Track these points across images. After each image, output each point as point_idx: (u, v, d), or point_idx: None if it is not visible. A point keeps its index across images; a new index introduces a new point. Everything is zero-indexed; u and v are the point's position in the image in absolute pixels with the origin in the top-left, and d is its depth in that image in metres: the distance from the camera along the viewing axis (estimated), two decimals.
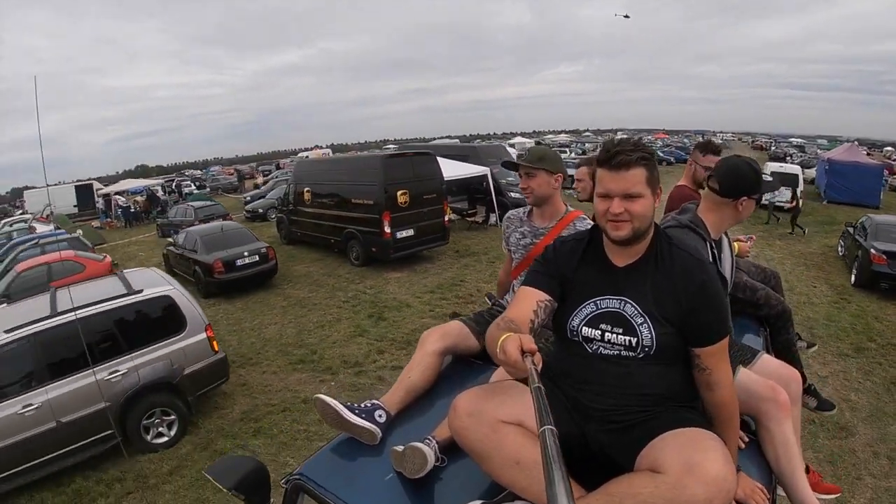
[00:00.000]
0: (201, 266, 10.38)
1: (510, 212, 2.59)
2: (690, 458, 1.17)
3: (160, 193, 29.75)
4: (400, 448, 1.60)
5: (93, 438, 5.12)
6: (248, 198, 25.05)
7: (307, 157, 44.13)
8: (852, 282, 9.56)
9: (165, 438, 5.49)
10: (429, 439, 1.62)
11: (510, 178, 14.43)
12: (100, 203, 31.25)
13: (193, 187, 35.23)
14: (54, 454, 4.97)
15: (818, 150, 38.68)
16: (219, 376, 6.00)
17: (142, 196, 28.18)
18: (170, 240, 13.84)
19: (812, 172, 24.09)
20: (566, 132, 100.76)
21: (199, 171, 59.98)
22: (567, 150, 42.93)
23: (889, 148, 63.87)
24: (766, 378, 1.87)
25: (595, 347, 1.47)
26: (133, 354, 5.37)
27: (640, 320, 1.42)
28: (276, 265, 10.86)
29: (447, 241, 12.03)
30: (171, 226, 18.52)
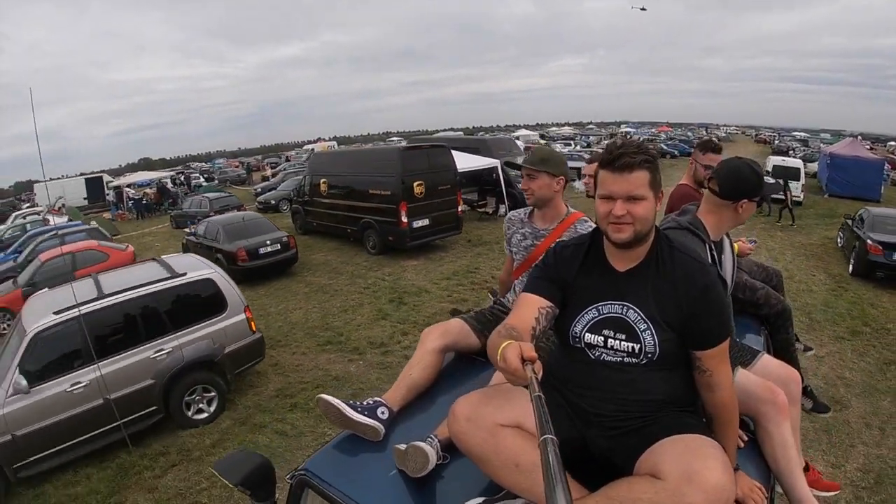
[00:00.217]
0: (224, 254, 10.74)
1: (511, 213, 2.60)
2: (690, 465, 1.19)
3: (170, 185, 30.16)
4: (402, 447, 1.63)
5: (138, 414, 5.47)
6: (259, 189, 25.47)
7: (313, 149, 44.54)
8: (850, 271, 9.95)
9: (205, 414, 5.84)
10: (431, 438, 1.65)
11: (519, 171, 14.76)
12: (110, 195, 31.74)
13: (202, 179, 35.64)
14: (101, 430, 5.28)
15: (821, 144, 38.86)
16: (256, 355, 6.39)
17: (151, 188, 28.62)
18: (187, 230, 14.28)
19: (814, 166, 24.41)
20: (569, 125, 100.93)
21: (204, 164, 60.40)
22: (572, 142, 43.20)
23: (893, 143, 63.84)
24: (766, 378, 1.90)
25: (598, 354, 1.48)
26: (178, 334, 5.73)
27: (643, 326, 1.43)
28: (296, 253, 11.30)
29: (460, 230, 12.47)
30: (185, 217, 18.99)
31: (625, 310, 1.45)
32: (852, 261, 9.96)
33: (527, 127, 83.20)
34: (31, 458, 4.96)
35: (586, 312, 1.49)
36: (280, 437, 5.35)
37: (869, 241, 9.31)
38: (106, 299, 5.45)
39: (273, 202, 20.99)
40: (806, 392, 2.77)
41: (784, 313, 2.78)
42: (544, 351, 1.76)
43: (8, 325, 9.75)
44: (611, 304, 1.47)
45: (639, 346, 1.42)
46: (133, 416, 5.40)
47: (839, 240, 11.86)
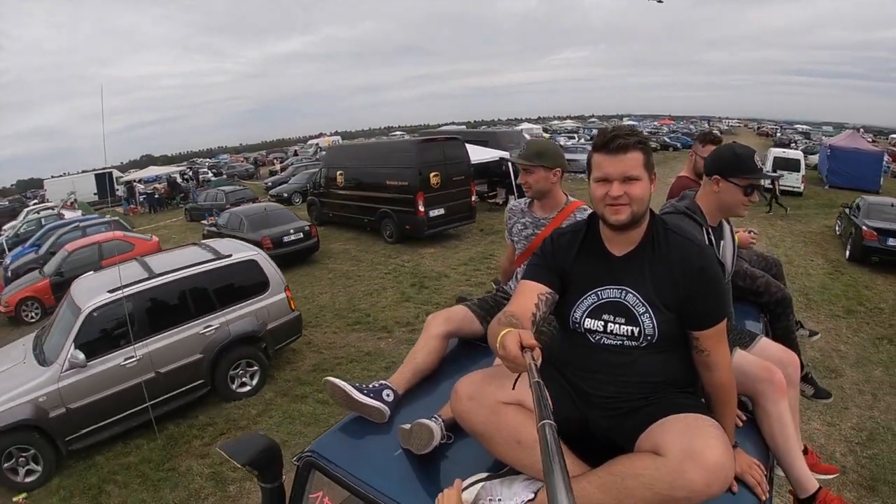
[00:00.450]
0: (249, 243, 11.20)
1: (512, 202, 2.66)
2: (691, 443, 1.21)
3: (179, 181, 30.64)
4: (407, 426, 1.66)
5: (186, 388, 5.86)
6: (270, 183, 25.97)
7: (318, 144, 45.01)
8: (846, 256, 10.45)
9: (248, 388, 6.25)
10: (435, 417, 1.68)
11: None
12: (119, 191, 32.25)
13: (210, 174, 36.14)
14: (152, 402, 5.53)
15: (823, 137, 39.25)
16: (294, 332, 6.87)
17: (161, 184, 29.10)
18: (205, 221, 14.82)
19: (815, 158, 24.80)
20: (571, 118, 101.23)
21: (208, 160, 60.86)
22: (575, 136, 43.56)
23: (895, 135, 64.13)
24: (765, 360, 1.92)
25: (598, 338, 1.50)
26: (224, 311, 6.12)
27: (641, 309, 1.44)
28: (317, 242, 11.81)
29: (474, 219, 12.99)
30: (200, 210, 19.47)
31: (623, 294, 1.47)
32: (849, 246, 10.45)
33: (529, 120, 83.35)
34: (84, 431, 5.26)
35: (586, 298, 1.51)
36: (322, 406, 5.81)
37: (864, 228, 9.81)
38: (157, 279, 5.82)
39: (285, 195, 21.48)
40: (807, 379, 2.86)
41: (784, 301, 2.81)
42: (546, 336, 1.89)
43: (36, 314, 10.33)
44: (609, 288, 1.49)
45: (638, 329, 1.44)
46: (181, 390, 5.82)
47: (837, 228, 12.34)
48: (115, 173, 35.84)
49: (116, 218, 17.18)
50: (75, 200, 26.83)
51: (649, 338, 1.44)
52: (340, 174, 13.87)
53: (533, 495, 1.37)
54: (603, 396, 1.48)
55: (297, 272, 10.93)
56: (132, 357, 5.47)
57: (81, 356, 5.12)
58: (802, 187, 18.35)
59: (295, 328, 6.86)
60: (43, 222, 17.81)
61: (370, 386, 1.90)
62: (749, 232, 3.11)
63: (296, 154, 40.77)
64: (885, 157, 24.86)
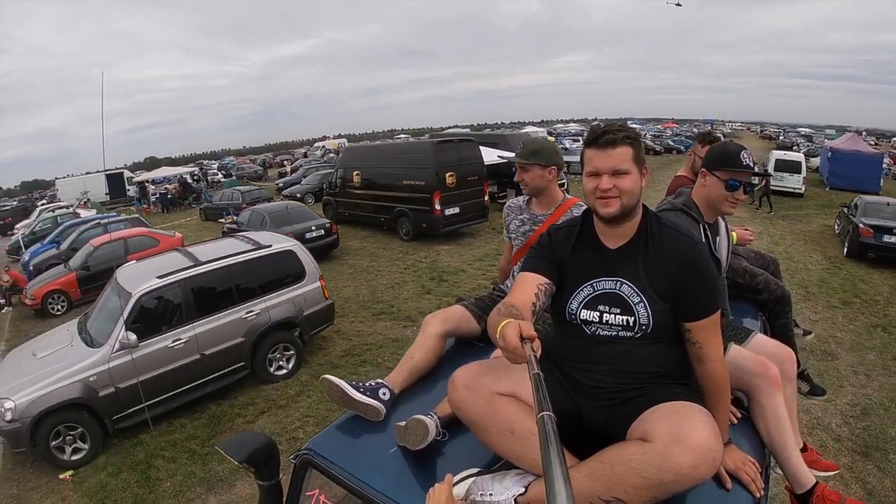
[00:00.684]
0: None
1: (510, 200, 2.68)
2: (677, 427, 1.24)
3: (190, 181, 31.17)
4: (402, 422, 1.68)
5: (228, 369, 6.22)
6: (281, 184, 26.50)
7: (324, 146, 45.61)
8: (844, 253, 10.94)
9: (284, 371, 6.64)
10: (431, 414, 1.70)
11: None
12: (130, 191, 32.87)
13: (220, 176, 36.70)
14: (197, 382, 5.97)
15: (825, 140, 39.70)
16: (327, 319, 7.33)
17: (172, 184, 29.63)
18: (222, 220, 15.45)
19: (817, 161, 25.26)
20: (574, 121, 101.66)
21: (214, 162, 61.50)
22: (580, 139, 44.05)
23: None
24: (759, 355, 1.92)
25: (593, 329, 1.52)
26: (265, 297, 6.50)
27: (636, 299, 1.47)
28: (337, 238, 12.31)
29: (486, 218, 13.49)
30: (216, 209, 19.99)
31: (618, 285, 1.50)
32: (846, 243, 10.94)
33: (532, 123, 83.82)
34: (131, 410, 5.56)
35: (582, 289, 1.54)
36: None
37: (861, 225, 10.30)
38: (203, 266, 6.17)
39: (298, 195, 21.99)
40: (803, 376, 2.87)
41: (783, 299, 2.82)
42: (540, 333, 1.91)
43: (62, 307, 10.75)
44: (604, 280, 1.52)
45: (633, 318, 1.47)
46: (223, 371, 6.18)
47: (836, 227, 12.81)
48: (126, 174, 36.44)
49: (137, 216, 17.72)
50: (88, 200, 27.40)
51: (644, 327, 1.47)
52: (357, 174, 14.40)
53: (524, 489, 1.39)
54: (598, 387, 1.50)
55: (319, 267, 11.40)
56: (180, 339, 5.84)
57: (133, 337, 5.46)
58: (804, 189, 18.79)
59: (328, 315, 7.32)
60: (59, 220, 18.28)
61: (367, 384, 1.93)
62: (745, 230, 3.10)
63: (305, 156, 41.40)
64: (887, 160, 25.31)
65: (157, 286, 5.82)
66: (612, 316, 1.49)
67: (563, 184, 13.11)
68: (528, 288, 1.51)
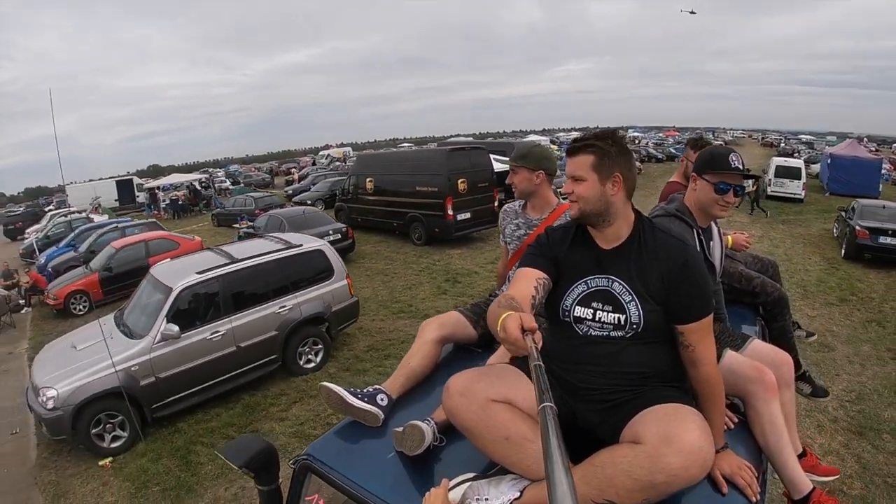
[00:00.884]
0: None
1: (506, 205, 2.71)
2: (668, 429, 1.25)
3: (199, 188, 31.69)
4: (400, 428, 1.69)
5: (261, 361, 6.56)
6: (290, 191, 27.04)
7: (329, 154, 46.23)
8: (842, 255, 11.37)
9: (313, 364, 7.01)
10: (428, 419, 1.71)
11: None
12: (140, 197, 33.46)
13: (228, 183, 37.27)
14: (232, 373, 6.29)
15: (826, 147, 40.21)
16: (353, 315, 7.75)
17: (180, 191, 30.13)
18: (236, 225, 16.05)
19: (817, 168, 25.70)
20: (576, 129, 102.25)
21: (220, 170, 62.15)
22: None
23: None
24: (755, 361, 1.92)
25: (585, 329, 1.56)
26: (296, 294, 6.88)
27: (627, 298, 1.50)
28: (353, 242, 12.79)
29: (496, 223, 13.83)
30: (229, 215, 20.47)
31: (610, 283, 1.54)
32: (844, 245, 11.38)
33: (534, 132, 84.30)
34: (170, 399, 5.85)
35: (576, 286, 1.58)
36: (384, 378, 6.68)
37: (857, 227, 10.74)
38: (239, 263, 6.52)
39: (309, 202, 22.46)
40: (804, 377, 2.89)
41: (781, 301, 2.82)
42: (540, 326, 1.89)
43: (84, 306, 11.08)
44: (597, 277, 1.56)
45: (624, 316, 1.50)
46: (257, 363, 6.53)
47: (835, 230, 13.22)
48: (136, 180, 37.04)
49: (153, 220, 18.24)
50: (100, 205, 27.98)
51: (635, 326, 1.50)
52: (370, 181, 14.91)
53: (519, 493, 1.40)
54: (590, 389, 1.52)
55: None
56: (218, 332, 6.17)
57: (176, 328, 5.77)
58: (804, 194, 19.18)
59: (354, 312, 7.74)
60: (73, 225, 18.73)
61: (365, 390, 1.95)
62: (738, 233, 3.10)
63: (313, 164, 42.05)
64: (887, 165, 25.69)
65: (196, 281, 6.15)
66: (605, 313, 1.53)
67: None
68: (528, 282, 1.54)
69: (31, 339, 9.96)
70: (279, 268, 6.90)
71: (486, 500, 1.43)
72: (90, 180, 36.87)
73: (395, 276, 11.16)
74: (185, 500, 4.78)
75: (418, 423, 1.67)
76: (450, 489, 1.41)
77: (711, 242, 2.21)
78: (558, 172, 2.92)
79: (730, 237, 2.82)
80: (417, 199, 13.24)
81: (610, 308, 1.52)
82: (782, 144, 55.61)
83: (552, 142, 50.72)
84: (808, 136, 75.53)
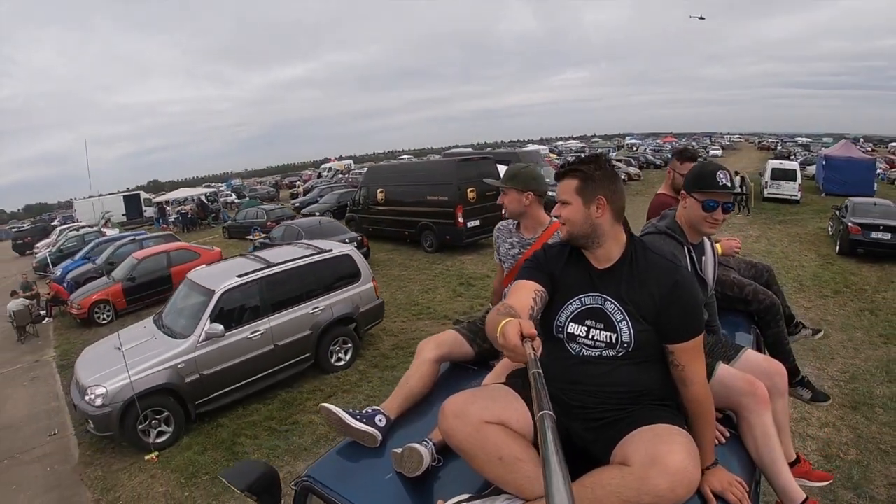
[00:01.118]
0: None
1: (500, 223, 2.73)
2: (654, 451, 1.30)
3: (206, 202, 32.26)
4: (399, 450, 1.71)
5: (296, 359, 6.96)
6: (298, 203, 27.60)
7: (331, 167, 46.96)
8: (836, 251, 11.89)
9: (343, 362, 7.43)
10: (426, 441, 1.73)
11: (548, 180, 16.80)
12: (148, 212, 34.20)
13: (234, 197, 37.94)
14: (270, 371, 6.66)
15: (822, 149, 40.83)
16: (379, 316, 8.22)
17: (188, 205, 30.71)
18: (250, 237, 16.75)
19: (813, 169, 26.25)
20: (574, 138, 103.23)
21: (222, 184, 62.88)
22: (582, 156, 45.01)
23: (894, 143, 65.07)
24: (750, 373, 1.93)
25: (578, 349, 1.59)
26: (328, 295, 7.32)
27: (619, 317, 1.53)
28: (368, 250, 13.29)
29: None
30: (240, 227, 21.04)
31: (602, 301, 1.57)
32: (838, 242, 11.90)
33: (532, 141, 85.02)
34: (212, 395, 6.14)
35: (570, 303, 1.61)
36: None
37: (850, 224, 11.27)
38: (275, 267, 6.94)
39: (318, 214, 22.98)
40: (803, 383, 2.91)
41: (772, 309, 2.81)
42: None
43: (108, 315, 11.48)
44: (591, 295, 1.59)
45: (615, 335, 1.53)
46: (292, 361, 6.93)
47: (830, 228, 13.71)
48: (143, 195, 37.77)
49: (169, 233, 18.81)
50: (109, 220, 28.61)
51: (626, 345, 1.53)
52: (381, 192, 15.49)
53: None
54: (583, 407, 1.55)
55: None
56: (257, 331, 6.55)
57: (220, 327, 6.10)
58: (799, 195, 19.69)
59: (379, 313, 8.21)
60: (86, 239, 19.23)
61: (363, 412, 1.98)
62: (731, 238, 3.09)
63: (319, 177, 42.78)
64: (883, 165, 26.15)
65: (237, 284, 6.55)
66: (598, 331, 1.56)
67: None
68: (526, 293, 1.56)
69: (57, 347, 10.34)
70: (311, 271, 7.33)
71: None
72: (100, 195, 37.46)
73: (410, 281, 11.67)
74: None
75: (417, 446, 1.70)
76: None
77: (704, 258, 2.24)
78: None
79: (719, 245, 2.78)
80: (428, 207, 13.80)
81: (602, 326, 1.56)
82: (779, 147, 56.17)
83: (551, 150, 51.38)
84: (805, 139, 76.15)
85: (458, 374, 2.39)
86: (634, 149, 55.13)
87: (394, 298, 10.48)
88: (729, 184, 2.08)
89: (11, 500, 5.34)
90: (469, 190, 13.07)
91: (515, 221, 2.61)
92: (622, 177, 2.22)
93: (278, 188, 43.56)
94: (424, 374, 2.18)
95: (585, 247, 1.63)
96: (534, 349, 1.13)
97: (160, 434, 5.89)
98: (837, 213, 12.93)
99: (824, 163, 22.61)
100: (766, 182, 20.20)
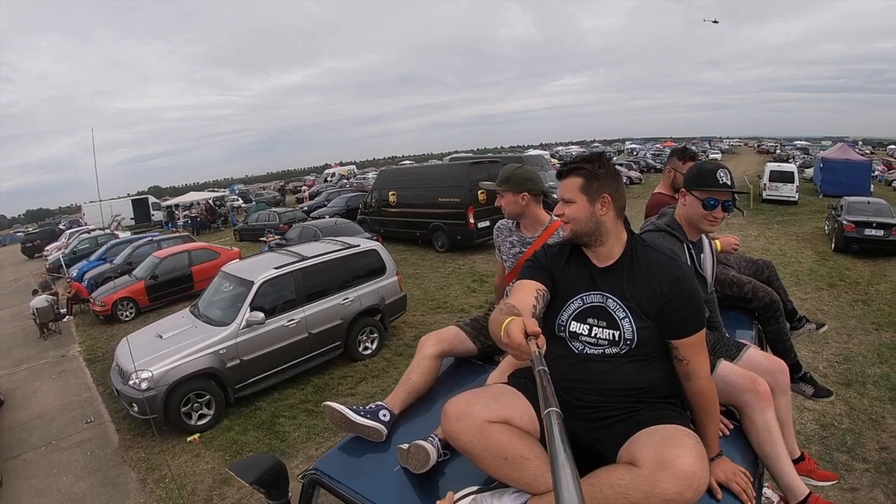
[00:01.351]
0: None
1: (500, 222, 2.71)
2: (664, 453, 1.28)
3: (214, 206, 32.73)
4: (405, 446, 1.72)
5: (327, 347, 7.40)
6: (307, 207, 28.09)
7: (334, 173, 47.55)
8: (832, 248, 12.45)
9: (369, 351, 7.91)
10: (432, 437, 1.74)
11: (551, 183, 17.33)
12: (156, 215, 34.82)
13: (241, 201, 38.45)
14: (304, 357, 7.06)
15: (821, 152, 41.35)
16: (402, 308, 8.72)
17: (195, 209, 31.14)
18: (263, 239, 17.23)
19: (811, 172, 26.82)
20: (574, 143, 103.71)
21: (226, 189, 63.43)
22: None
23: (893, 146, 65.35)
24: (753, 370, 1.93)
25: (581, 348, 1.59)
26: (357, 287, 7.80)
27: (621, 314, 1.54)
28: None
29: None
30: (252, 230, 21.55)
31: (604, 299, 1.57)
32: (833, 239, 12.45)
33: (532, 147, 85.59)
34: (251, 380, 6.50)
35: (572, 302, 1.61)
36: None
37: (845, 222, 11.84)
38: (309, 260, 7.40)
39: (328, 217, 23.49)
40: (805, 378, 2.90)
41: (772, 305, 2.82)
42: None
43: (131, 313, 11.93)
44: (592, 293, 1.59)
45: (618, 332, 1.53)
46: (325, 349, 7.38)
47: (826, 227, 14.26)
48: (151, 199, 38.46)
49: (186, 234, 19.37)
50: (119, 223, 29.15)
51: (629, 343, 1.53)
52: (393, 194, 16.05)
53: None
54: (587, 407, 1.55)
55: None
56: (293, 320, 6.97)
57: (261, 315, 6.52)
58: (797, 197, 20.25)
59: (403, 305, 8.72)
60: (99, 241, 19.72)
61: (367, 408, 1.99)
62: (732, 237, 3.08)
63: (325, 181, 43.30)
64: (880, 167, 26.59)
65: (275, 275, 6.99)
66: (600, 329, 1.56)
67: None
68: (528, 292, 1.56)
69: (82, 343, 10.73)
70: (342, 264, 7.83)
71: None
72: (112, 198, 38.02)
73: (425, 279, 12.19)
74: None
75: (423, 443, 1.70)
76: (455, 502, 1.47)
77: (702, 255, 2.24)
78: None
79: (718, 242, 2.79)
80: (440, 209, 14.33)
81: (605, 324, 1.56)
82: (778, 151, 56.68)
83: (552, 156, 51.93)
84: (804, 142, 76.64)
85: (461, 369, 2.41)
86: (635, 153, 55.59)
87: (411, 294, 10.89)
88: (729, 182, 2.10)
89: (55, 483, 5.62)
90: (479, 192, 13.53)
91: (516, 221, 2.61)
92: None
93: (284, 193, 44.09)
94: (426, 370, 2.19)
95: (588, 245, 1.64)
96: (538, 347, 1.13)
97: (201, 417, 6.21)
98: (833, 212, 13.44)
99: (821, 165, 23.17)
100: (765, 184, 20.72)
